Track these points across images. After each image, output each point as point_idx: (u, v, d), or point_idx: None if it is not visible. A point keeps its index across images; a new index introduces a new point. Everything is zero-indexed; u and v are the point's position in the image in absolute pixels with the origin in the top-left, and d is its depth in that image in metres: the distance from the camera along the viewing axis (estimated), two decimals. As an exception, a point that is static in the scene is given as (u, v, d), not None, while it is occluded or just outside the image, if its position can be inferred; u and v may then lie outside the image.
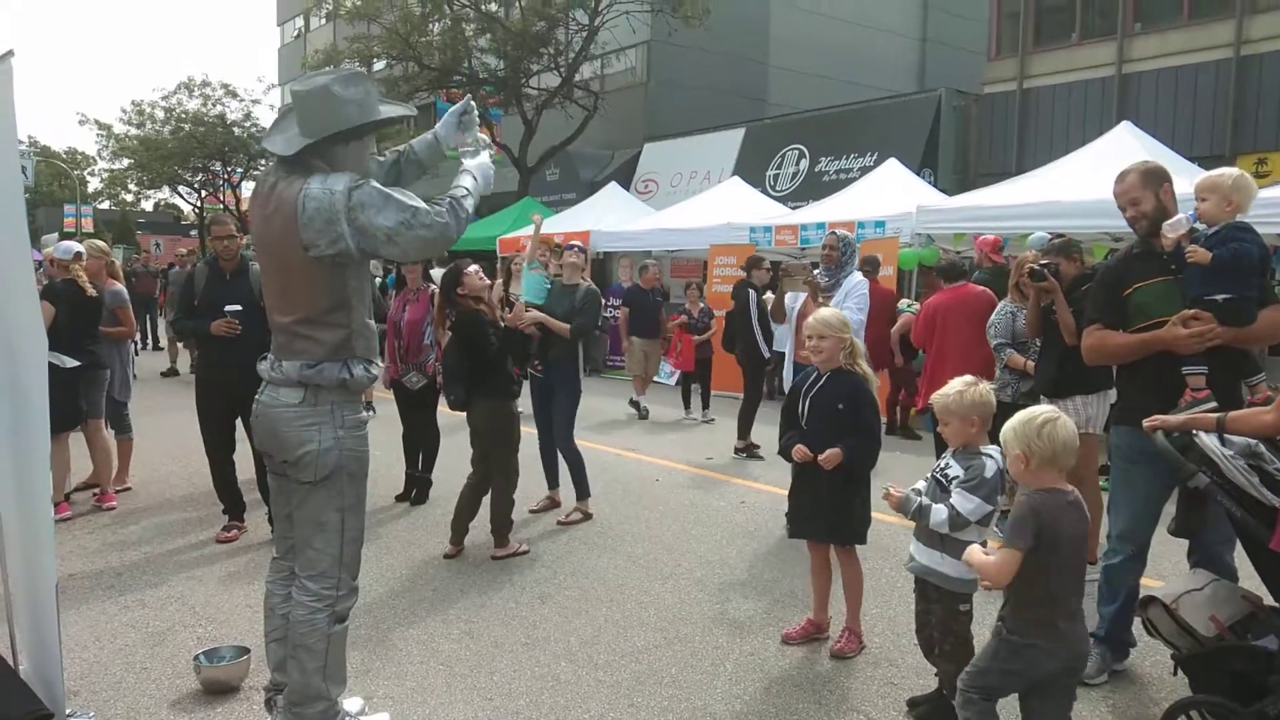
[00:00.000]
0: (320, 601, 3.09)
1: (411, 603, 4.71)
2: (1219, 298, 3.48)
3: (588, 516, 6.33)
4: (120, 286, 6.92)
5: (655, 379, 11.78)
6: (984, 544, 3.05)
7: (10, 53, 3.09)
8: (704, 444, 9.09)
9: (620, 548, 5.67)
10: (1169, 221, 3.63)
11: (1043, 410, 2.84)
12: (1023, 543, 2.68)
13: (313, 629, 3.08)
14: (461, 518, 5.57)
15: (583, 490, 6.39)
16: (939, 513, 3.27)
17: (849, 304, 5.82)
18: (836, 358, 4.06)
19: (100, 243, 7.32)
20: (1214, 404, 3.33)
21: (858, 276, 6.15)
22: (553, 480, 6.62)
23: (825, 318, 4.10)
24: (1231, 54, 16.23)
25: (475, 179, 3.20)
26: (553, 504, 6.55)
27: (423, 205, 2.94)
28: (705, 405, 10.71)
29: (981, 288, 6.58)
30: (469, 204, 3.07)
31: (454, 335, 5.52)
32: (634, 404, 11.05)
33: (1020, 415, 2.83)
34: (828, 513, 4.09)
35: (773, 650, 4.16)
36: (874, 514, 4.19)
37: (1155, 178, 3.77)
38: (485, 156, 3.33)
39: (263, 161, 36.47)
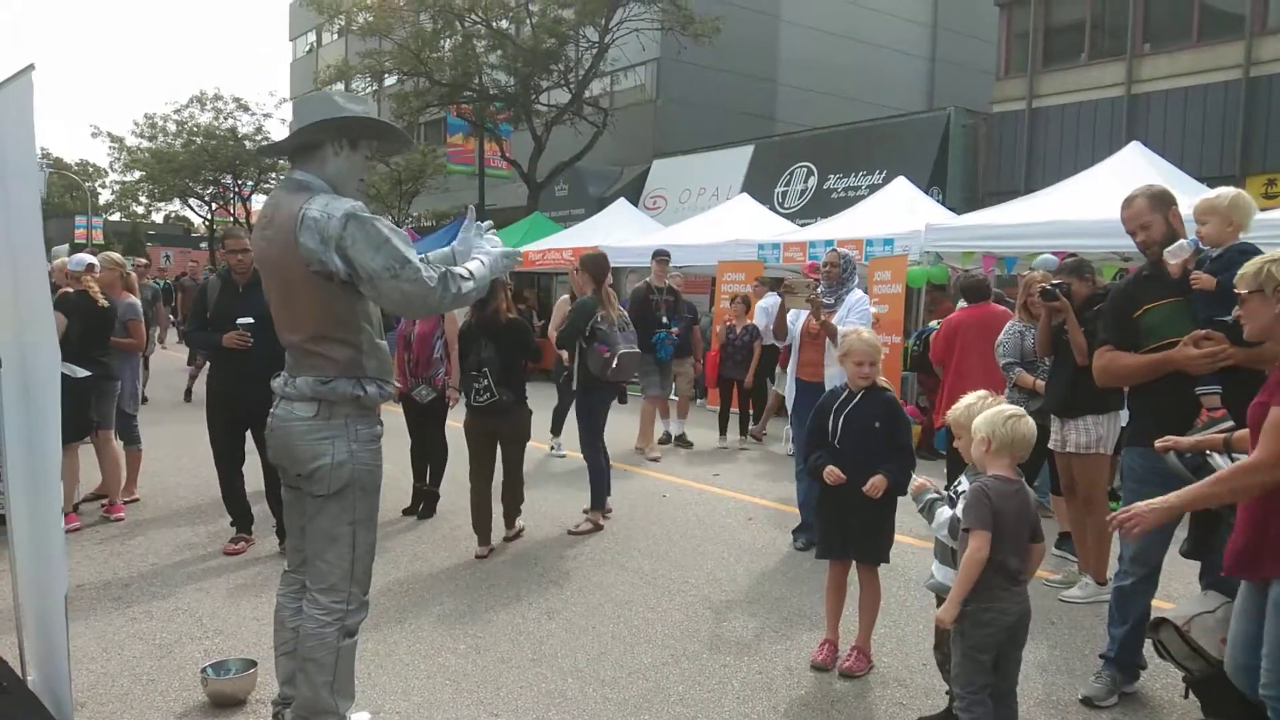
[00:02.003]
0: (330, 615, 3.09)
1: (418, 617, 4.70)
2: (1229, 319, 3.48)
3: (597, 528, 6.34)
4: (134, 299, 6.95)
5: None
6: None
7: (30, 66, 3.12)
8: (711, 460, 9.08)
9: (627, 564, 5.66)
10: (1170, 249, 3.64)
11: (1012, 408, 3.26)
12: (987, 522, 3.06)
13: (321, 642, 3.08)
14: (484, 518, 5.82)
15: (597, 500, 6.44)
16: (943, 514, 3.35)
17: (851, 319, 5.84)
18: (874, 376, 4.09)
19: (115, 255, 7.35)
20: (1231, 424, 3.32)
21: (859, 293, 6.18)
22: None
23: (873, 342, 4.10)
24: (1241, 75, 16.27)
25: (484, 264, 3.15)
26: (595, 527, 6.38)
27: (415, 261, 2.90)
28: (743, 431, 9.80)
29: (1004, 308, 6.56)
30: (466, 286, 3.00)
31: (503, 340, 5.74)
32: (666, 435, 9.91)
33: (992, 408, 3.24)
34: (858, 533, 4.07)
35: (780, 668, 4.14)
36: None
37: (1163, 201, 3.78)
38: (505, 248, 3.31)
39: (274, 175, 36.73)
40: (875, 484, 3.95)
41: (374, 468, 3.14)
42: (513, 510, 6.05)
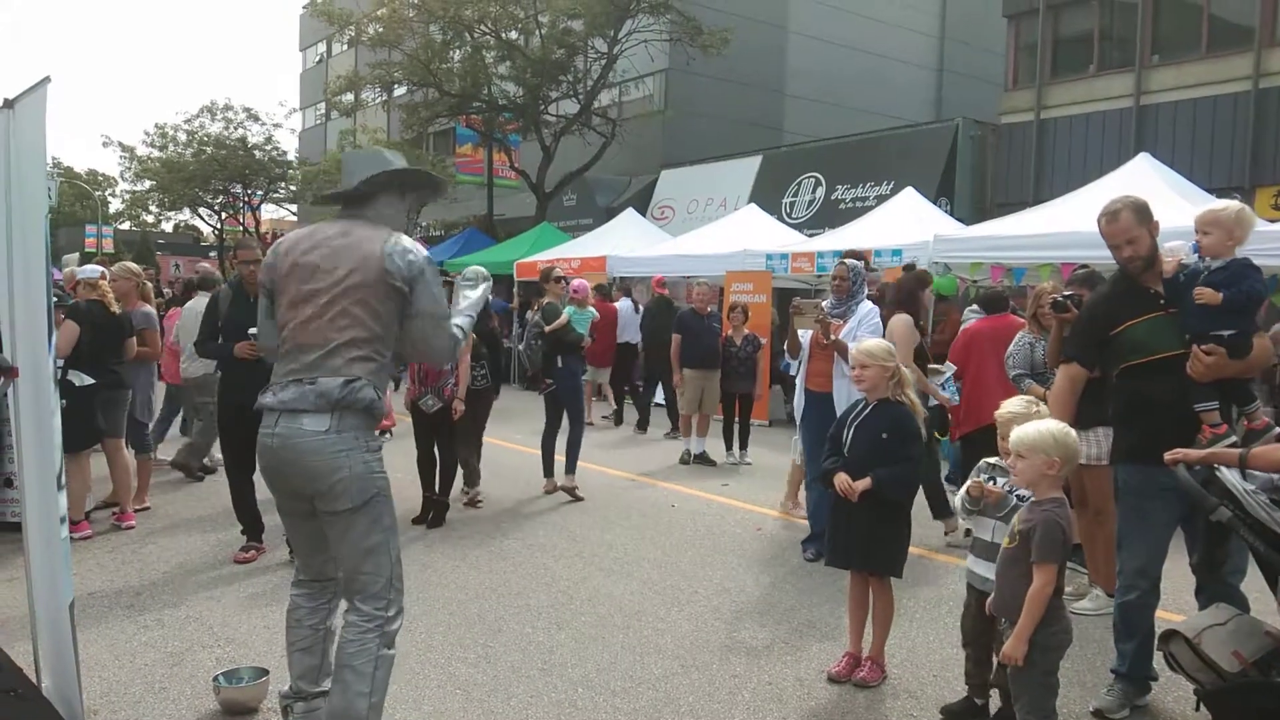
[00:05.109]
0: (371, 622, 3.10)
1: (428, 626, 4.71)
2: (1225, 334, 3.52)
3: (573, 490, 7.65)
4: (150, 308, 6.97)
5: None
6: None
7: (47, 79, 3.15)
8: (719, 471, 9.07)
9: (636, 574, 5.67)
10: (1170, 245, 3.67)
11: (1060, 423, 3.26)
12: (1059, 556, 3.11)
13: (362, 648, 3.08)
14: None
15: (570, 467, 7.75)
16: None
17: (861, 332, 5.82)
18: (883, 387, 4.07)
19: (132, 264, 7.37)
20: (1234, 439, 3.35)
21: (869, 305, 6.16)
22: (548, 470, 7.88)
23: (869, 348, 4.12)
24: (1250, 86, 16.24)
25: (470, 317, 3.45)
26: (550, 490, 7.77)
27: (450, 320, 3.27)
28: (743, 445, 9.44)
29: (1023, 319, 6.54)
30: (462, 345, 3.39)
31: (492, 346, 7.48)
32: (687, 454, 9.50)
33: (1052, 425, 3.21)
34: (863, 541, 4.06)
35: (790, 679, 4.14)
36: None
37: (1147, 215, 3.77)
38: (483, 289, 3.61)
39: (282, 185, 36.92)
40: (856, 484, 3.97)
41: (385, 475, 3.22)
42: (473, 477, 7.56)
